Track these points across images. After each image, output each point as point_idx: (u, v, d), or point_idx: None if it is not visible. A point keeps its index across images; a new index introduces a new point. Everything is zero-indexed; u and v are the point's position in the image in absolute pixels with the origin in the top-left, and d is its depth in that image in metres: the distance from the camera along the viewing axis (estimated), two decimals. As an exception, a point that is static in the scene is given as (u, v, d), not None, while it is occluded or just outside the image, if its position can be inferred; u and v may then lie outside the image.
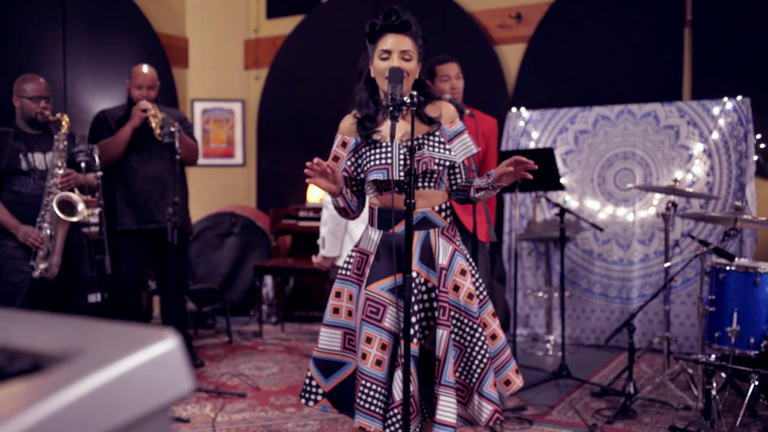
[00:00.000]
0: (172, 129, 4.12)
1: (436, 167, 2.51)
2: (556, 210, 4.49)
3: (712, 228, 5.13)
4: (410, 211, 2.36)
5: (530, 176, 2.60)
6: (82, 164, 3.69)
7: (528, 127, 5.76)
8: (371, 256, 2.57)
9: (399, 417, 2.38)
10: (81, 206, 3.75)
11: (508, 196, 5.47)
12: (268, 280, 6.59)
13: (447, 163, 2.55)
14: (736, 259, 3.89)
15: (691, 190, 4.81)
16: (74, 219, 3.72)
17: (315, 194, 6.87)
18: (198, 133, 7.14)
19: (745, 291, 3.85)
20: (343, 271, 2.62)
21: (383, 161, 2.51)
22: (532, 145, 5.68)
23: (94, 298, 4.78)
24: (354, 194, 2.66)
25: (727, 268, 3.89)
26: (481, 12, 6.26)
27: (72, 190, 3.90)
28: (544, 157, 4.69)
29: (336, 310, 2.60)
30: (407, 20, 2.52)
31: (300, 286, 6.78)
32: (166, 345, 0.60)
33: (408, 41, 2.53)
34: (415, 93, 2.40)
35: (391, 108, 2.36)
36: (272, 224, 6.47)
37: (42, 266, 3.66)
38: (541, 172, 4.71)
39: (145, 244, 4.64)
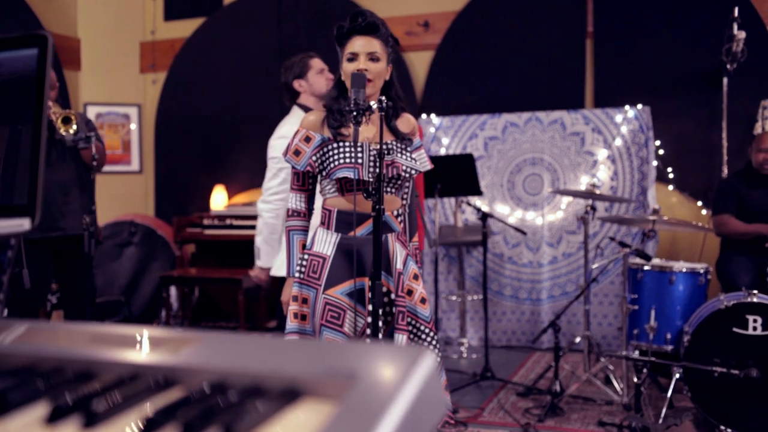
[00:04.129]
0: (89, 134, 3.89)
1: (403, 173, 2.51)
2: (477, 214, 4.58)
3: (617, 229, 5.37)
4: (379, 216, 2.34)
5: None
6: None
7: (438, 133, 5.83)
8: (328, 259, 2.53)
9: None
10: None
11: (424, 201, 5.51)
12: (172, 290, 6.35)
13: (413, 172, 2.56)
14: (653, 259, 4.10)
15: (599, 193, 5.01)
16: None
17: (218, 201, 6.68)
18: (92, 138, 6.79)
19: (661, 289, 4.06)
20: (298, 275, 2.58)
21: (352, 160, 2.47)
22: (442, 152, 5.75)
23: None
24: (307, 192, 2.64)
25: (645, 268, 4.09)
26: (388, 19, 6.21)
27: None
28: (465, 163, 4.78)
29: (296, 315, 2.57)
30: (374, 22, 2.51)
31: (205, 296, 6.57)
32: (429, 364, 0.56)
33: (376, 43, 2.52)
34: (383, 98, 2.38)
35: (354, 113, 2.34)
36: (176, 233, 6.24)
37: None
38: (462, 177, 4.82)
39: (47, 254, 4.32)
